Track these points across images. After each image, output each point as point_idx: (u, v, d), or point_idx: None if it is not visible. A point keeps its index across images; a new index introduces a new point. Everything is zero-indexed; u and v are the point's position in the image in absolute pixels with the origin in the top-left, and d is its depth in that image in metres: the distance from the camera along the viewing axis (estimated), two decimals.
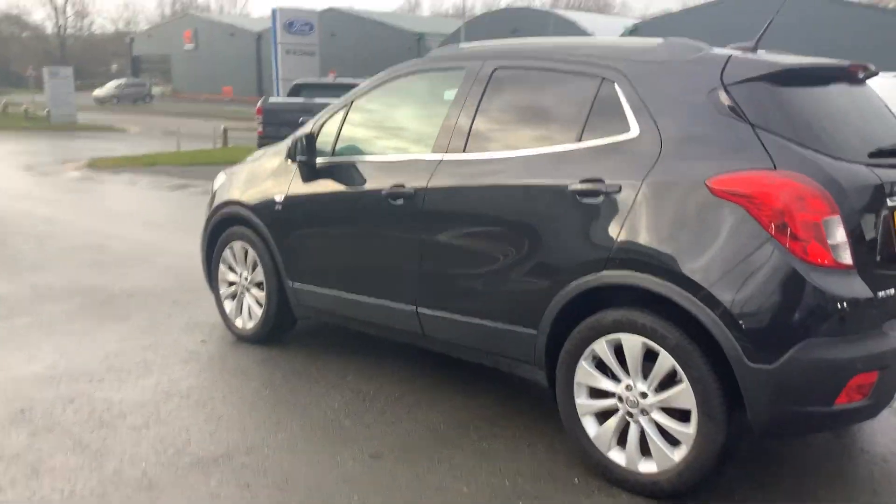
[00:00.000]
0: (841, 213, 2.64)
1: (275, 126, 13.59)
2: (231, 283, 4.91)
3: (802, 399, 2.65)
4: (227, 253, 4.85)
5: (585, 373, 3.11)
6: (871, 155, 2.89)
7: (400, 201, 3.74)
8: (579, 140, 3.20)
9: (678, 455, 2.88)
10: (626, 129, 3.06)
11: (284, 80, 24.35)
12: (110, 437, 3.47)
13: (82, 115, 30.39)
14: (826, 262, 2.61)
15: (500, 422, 3.66)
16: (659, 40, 3.28)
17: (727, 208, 2.72)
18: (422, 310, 3.73)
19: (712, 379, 2.75)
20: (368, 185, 3.96)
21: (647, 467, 2.98)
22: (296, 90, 15.51)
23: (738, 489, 3.03)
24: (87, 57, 70.93)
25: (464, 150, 3.58)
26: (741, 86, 2.88)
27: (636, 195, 2.92)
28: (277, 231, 4.45)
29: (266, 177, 4.60)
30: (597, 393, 3.15)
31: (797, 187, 2.63)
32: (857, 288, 2.65)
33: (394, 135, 4.16)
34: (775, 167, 2.70)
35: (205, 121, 29.05)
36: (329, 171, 4.18)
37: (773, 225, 2.63)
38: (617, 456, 3.07)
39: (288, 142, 4.47)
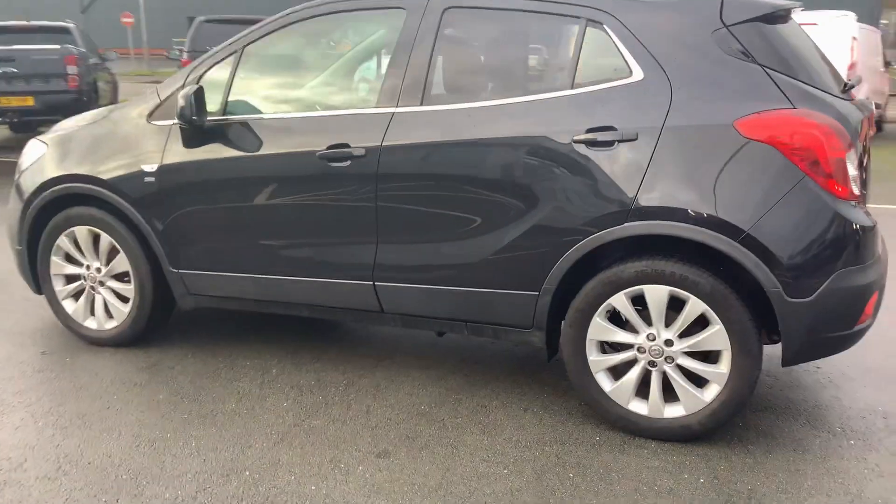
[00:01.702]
0: (853, 148, 2.81)
1: None
2: (71, 279, 3.96)
3: (833, 325, 2.83)
4: (62, 241, 3.89)
5: (600, 328, 3.01)
6: (843, 90, 3.11)
7: (344, 163, 3.25)
8: (572, 87, 3.02)
9: (709, 395, 2.93)
10: (627, 72, 2.94)
11: None
12: None
13: None
14: (848, 195, 2.77)
15: (477, 392, 3.44)
16: None
17: (758, 149, 2.75)
18: (380, 284, 3.32)
19: (748, 318, 2.81)
20: (290, 147, 3.39)
21: (674, 412, 2.99)
22: None
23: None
24: None
25: (421, 103, 3.20)
26: (741, 26, 2.90)
27: (657, 141, 2.84)
28: (151, 209, 3.65)
29: (121, 143, 3.73)
30: (610, 347, 3.09)
31: (823, 126, 2.74)
32: (867, 217, 2.87)
33: (311, 87, 3.59)
34: (794, 107, 2.78)
35: None
36: (225, 133, 3.50)
37: (805, 163, 2.72)
38: (638, 407, 3.04)
39: (155, 99, 3.66)
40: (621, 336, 3.00)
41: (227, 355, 3.84)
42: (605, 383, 3.07)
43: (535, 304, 3.10)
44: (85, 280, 3.92)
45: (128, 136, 3.73)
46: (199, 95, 3.41)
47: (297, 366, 3.72)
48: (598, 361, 3.06)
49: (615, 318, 3.03)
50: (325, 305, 3.52)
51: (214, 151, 3.51)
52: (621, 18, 2.98)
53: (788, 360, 2.88)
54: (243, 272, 3.58)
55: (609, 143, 2.90)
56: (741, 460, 2.88)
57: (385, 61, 3.38)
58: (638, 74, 2.93)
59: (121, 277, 3.86)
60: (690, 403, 2.96)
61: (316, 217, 3.38)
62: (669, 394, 3.00)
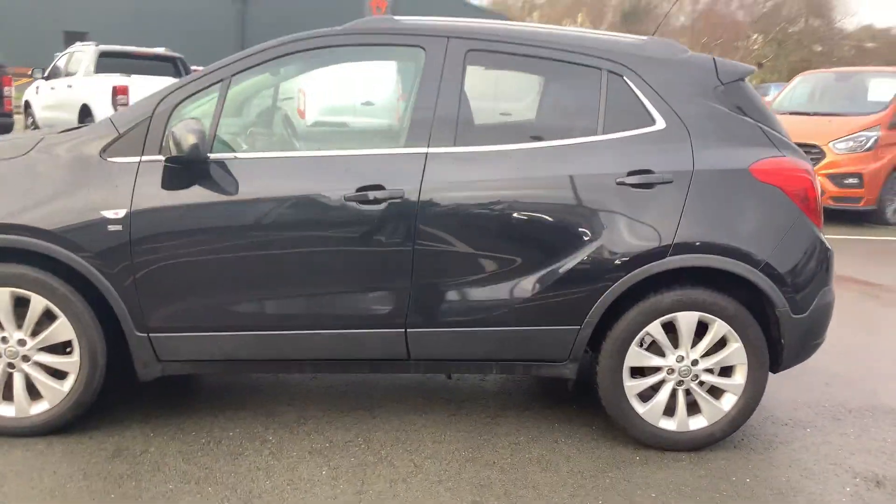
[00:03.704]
0: None
1: None
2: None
3: (816, 335, 3.42)
4: None
5: (636, 355, 3.27)
6: None
7: (379, 206, 3.09)
8: (603, 132, 3.25)
9: (727, 405, 3.34)
10: (651, 121, 3.26)
11: None
12: None
13: None
14: (821, 226, 3.40)
15: (500, 431, 3.45)
16: (643, 38, 3.50)
17: (768, 190, 3.25)
18: (412, 331, 3.20)
19: (762, 336, 3.29)
20: (308, 189, 3.11)
21: (698, 424, 3.35)
22: None
23: None
24: None
25: (454, 144, 3.18)
26: (732, 85, 3.39)
27: (689, 183, 3.19)
28: (115, 263, 3.05)
29: (63, 184, 3.07)
30: (640, 372, 3.35)
31: (808, 169, 3.34)
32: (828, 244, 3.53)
33: (320, 123, 3.30)
34: (783, 154, 3.34)
35: None
36: (222, 173, 3.08)
37: (799, 200, 3.28)
38: (667, 423, 3.34)
39: (111, 132, 3.10)
40: (655, 361, 3.29)
41: (201, 425, 3.34)
42: (639, 406, 3.33)
43: (575, 337, 3.25)
44: None
45: (73, 176, 3.09)
46: (197, 129, 2.97)
47: (289, 428, 3.37)
48: (633, 386, 3.30)
49: (650, 345, 3.31)
50: (342, 359, 3.26)
51: (209, 194, 3.07)
52: (639, 71, 3.29)
53: (783, 367, 3.41)
54: (241, 330, 3.17)
55: (649, 185, 3.19)
56: (769, 456, 3.34)
57: (397, 99, 3.27)
58: (661, 123, 3.27)
59: (57, 349, 3.14)
60: (712, 414, 3.34)
61: (339, 264, 3.15)
62: (690, 408, 3.37)
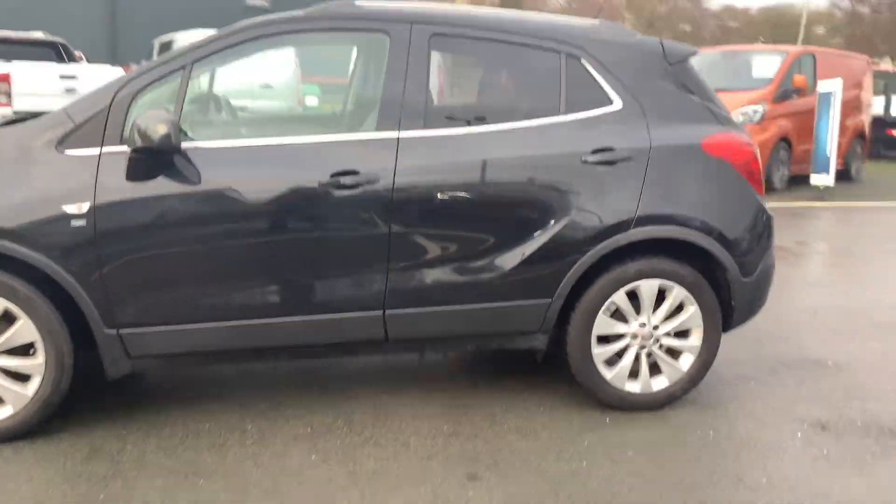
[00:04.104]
0: None
1: None
2: None
3: (761, 297, 3.68)
4: None
5: (604, 323, 3.43)
6: None
7: (354, 190, 3.09)
8: (565, 112, 3.36)
9: (685, 365, 3.55)
10: (609, 101, 3.40)
11: None
12: None
13: None
14: (762, 194, 3.64)
15: (476, 404, 3.54)
16: (594, 21, 3.62)
17: (717, 163, 3.46)
18: (391, 312, 3.23)
19: (715, 299, 3.51)
20: (281, 175, 3.08)
21: (659, 384, 3.54)
22: None
23: None
24: None
25: (424, 127, 3.21)
26: (678, 65, 3.58)
27: (647, 160, 3.36)
28: (80, 260, 2.93)
29: (16, 179, 2.91)
30: (606, 339, 3.50)
31: (750, 143, 3.58)
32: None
33: (284, 110, 3.24)
34: (728, 130, 3.56)
35: None
36: (191, 161, 3.00)
37: (745, 172, 3.52)
38: (632, 386, 3.52)
39: (66, 123, 2.96)
40: (620, 328, 3.46)
41: (173, 419, 3.26)
42: (606, 371, 3.49)
43: (547, 310, 3.37)
44: None
45: (29, 171, 2.93)
46: (168, 120, 2.87)
47: (266, 416, 3.33)
48: (600, 353, 3.46)
49: (615, 313, 3.46)
50: (318, 344, 3.25)
51: (177, 184, 2.99)
52: (594, 54, 3.43)
53: (732, 327, 3.65)
54: (214, 321, 3.11)
55: (612, 163, 3.33)
56: (724, 410, 3.58)
57: (361, 85, 3.27)
58: (618, 103, 3.42)
59: (18, 352, 2.98)
60: (672, 374, 3.55)
61: (315, 249, 3.14)
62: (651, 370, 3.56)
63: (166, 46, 15.25)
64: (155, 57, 15.30)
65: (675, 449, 3.22)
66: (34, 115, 3.58)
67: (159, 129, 2.82)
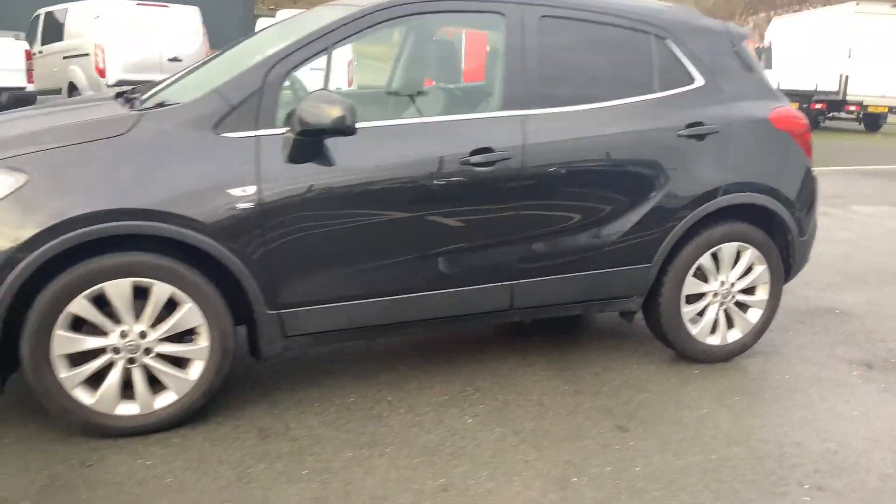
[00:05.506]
0: None
1: None
2: (92, 354, 2.86)
3: (808, 255, 4.15)
4: (81, 307, 2.79)
5: (692, 283, 3.79)
6: None
7: (490, 167, 3.27)
8: (658, 90, 3.67)
9: (754, 318, 3.96)
10: (691, 80, 3.74)
11: None
12: None
13: None
14: (812, 160, 4.11)
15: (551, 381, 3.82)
16: (667, 4, 3.92)
17: (781, 135, 3.88)
18: (516, 282, 3.44)
19: (779, 258, 3.94)
20: (431, 153, 3.21)
21: (733, 336, 3.95)
22: None
23: None
24: None
25: (543, 105, 3.43)
26: (739, 46, 3.96)
27: (730, 133, 3.73)
28: (245, 241, 2.95)
29: (185, 164, 2.89)
30: (690, 299, 3.85)
31: (802, 115, 4.03)
32: None
33: (415, 90, 3.33)
34: (783, 104, 3.99)
35: None
36: (348, 143, 3.07)
37: (801, 141, 3.96)
38: (712, 339, 3.90)
39: (221, 105, 2.96)
40: (704, 287, 3.82)
41: (312, 396, 3.33)
42: (692, 328, 3.84)
43: (646, 274, 3.69)
44: (117, 352, 2.88)
45: (191, 155, 2.90)
46: (344, 103, 2.93)
47: (398, 387, 3.46)
48: (687, 312, 3.82)
49: (698, 272, 3.82)
50: (454, 316, 3.42)
51: (336, 163, 3.05)
52: (678, 36, 3.75)
53: (786, 282, 4.10)
54: (368, 298, 3.20)
55: (701, 136, 3.68)
56: (785, 357, 4.03)
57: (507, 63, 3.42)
58: (699, 81, 3.76)
59: (176, 338, 2.97)
60: (744, 327, 3.96)
61: (460, 224, 3.29)
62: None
63: (51, 18, 14.33)
64: (40, 31, 14.48)
65: (772, 391, 3.64)
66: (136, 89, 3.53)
67: (333, 112, 2.88)
